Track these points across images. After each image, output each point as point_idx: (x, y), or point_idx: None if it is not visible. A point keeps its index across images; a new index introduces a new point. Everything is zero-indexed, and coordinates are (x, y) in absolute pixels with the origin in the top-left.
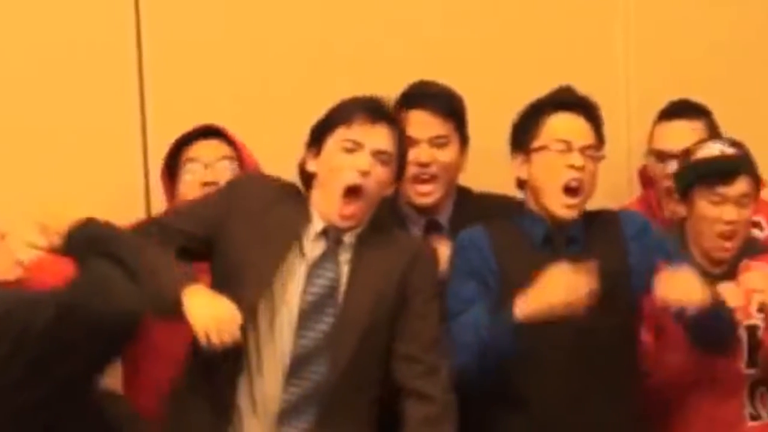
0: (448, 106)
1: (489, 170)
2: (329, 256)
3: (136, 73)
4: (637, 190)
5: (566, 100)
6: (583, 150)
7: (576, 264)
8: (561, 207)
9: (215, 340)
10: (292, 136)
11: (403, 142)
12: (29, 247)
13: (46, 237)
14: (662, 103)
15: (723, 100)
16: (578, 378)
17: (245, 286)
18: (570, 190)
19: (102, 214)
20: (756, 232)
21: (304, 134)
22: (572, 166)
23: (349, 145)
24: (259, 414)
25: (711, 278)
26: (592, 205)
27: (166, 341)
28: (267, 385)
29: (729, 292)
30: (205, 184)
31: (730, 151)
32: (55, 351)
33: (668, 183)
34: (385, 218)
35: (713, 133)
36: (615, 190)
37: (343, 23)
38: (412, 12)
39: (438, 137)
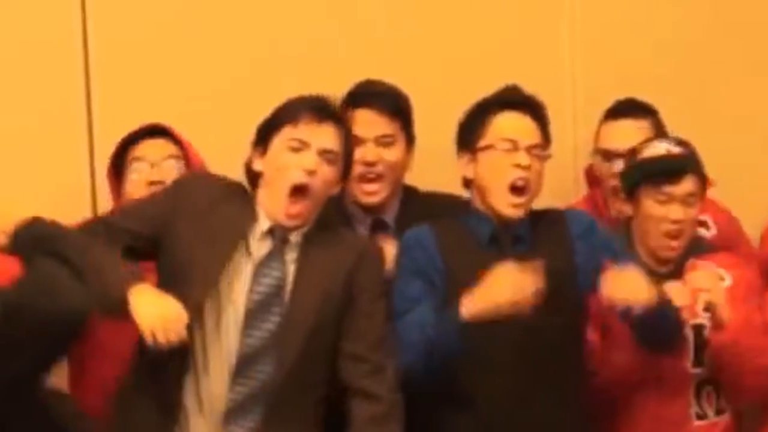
0: (394, 105)
1: (435, 169)
2: (275, 255)
3: (82, 73)
4: (583, 190)
5: (512, 100)
6: (529, 149)
7: (522, 263)
8: (507, 206)
9: (161, 339)
10: (239, 135)
11: (350, 141)
12: None
13: None
14: (608, 102)
15: (669, 99)
16: (524, 377)
17: (191, 285)
18: (516, 189)
19: (48, 213)
20: (702, 231)
21: (251, 133)
22: (518, 165)
23: (295, 144)
24: (206, 413)
25: (657, 277)
26: (539, 204)
27: (112, 340)
28: (213, 384)
29: (675, 291)
30: (152, 183)
31: (676, 150)
32: (1, 350)
33: (614, 182)
34: (332, 217)
35: (659, 132)
36: (561, 189)
37: (290, 22)
38: (359, 11)
39: (384, 136)
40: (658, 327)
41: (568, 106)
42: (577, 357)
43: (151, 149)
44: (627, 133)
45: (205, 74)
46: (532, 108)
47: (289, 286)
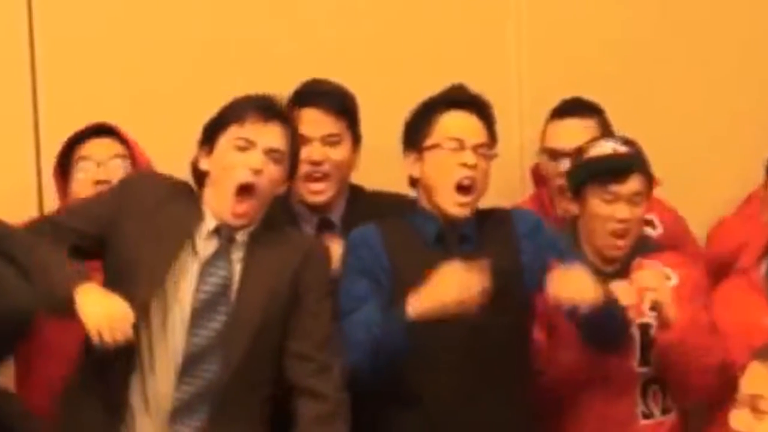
0: (340, 104)
1: (381, 168)
2: (222, 254)
3: (28, 71)
4: (529, 189)
5: (459, 99)
6: (475, 148)
7: (468, 262)
8: (453, 205)
9: (107, 338)
10: (185, 134)
11: (296, 141)
12: None
13: None
14: (555, 102)
15: (615, 99)
16: (471, 376)
17: (138, 284)
18: (462, 189)
19: None
20: (648, 231)
21: (197, 132)
22: (465, 165)
23: (241, 143)
24: (152, 412)
25: (603, 276)
26: (485, 203)
27: (58, 339)
28: (159, 384)
29: (621, 291)
30: (98, 182)
31: (622, 149)
32: None
33: (561, 181)
34: (278, 216)
35: (606, 131)
36: (507, 188)
37: (236, 21)
38: (305, 10)
39: (330, 135)
40: (605, 326)
41: (515, 105)
42: (523, 356)
43: (97, 148)
44: (573, 133)
45: (152, 74)
46: (479, 107)
47: (235, 286)
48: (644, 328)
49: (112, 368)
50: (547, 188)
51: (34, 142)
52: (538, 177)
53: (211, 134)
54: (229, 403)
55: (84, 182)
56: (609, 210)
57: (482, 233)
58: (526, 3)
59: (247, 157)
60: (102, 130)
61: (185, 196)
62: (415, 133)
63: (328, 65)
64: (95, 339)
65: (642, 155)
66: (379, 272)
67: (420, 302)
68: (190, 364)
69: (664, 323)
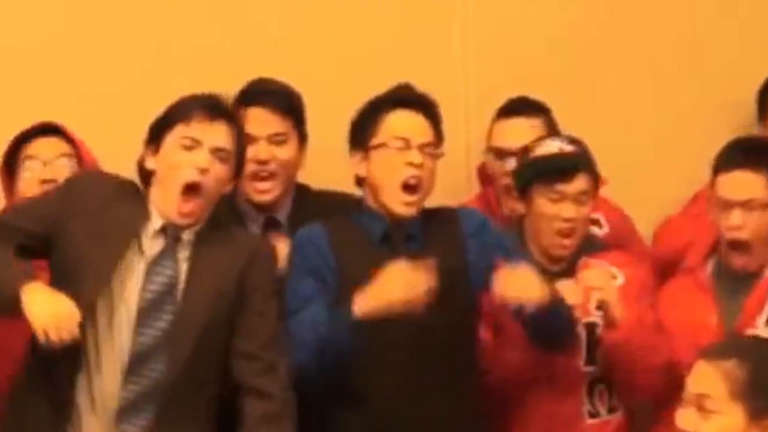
0: (286, 103)
1: (328, 167)
2: (168, 253)
3: None
4: (475, 188)
5: (405, 98)
6: (421, 147)
7: (414, 261)
8: (399, 204)
9: (54, 337)
10: (131, 133)
11: (242, 140)
12: None
13: None
14: (501, 101)
15: (561, 98)
16: (417, 375)
17: (84, 283)
18: (408, 188)
19: None
20: (595, 230)
21: (143, 132)
22: (411, 164)
23: (187, 142)
24: (98, 411)
25: (550, 276)
26: (431, 202)
27: (4, 339)
28: (106, 383)
29: (568, 290)
30: (44, 181)
31: (568, 148)
32: None
33: (507, 180)
34: (224, 216)
35: (552, 130)
36: (454, 187)
37: (182, 21)
38: (251, 9)
39: (277, 134)
40: (551, 325)
41: (461, 105)
42: (469, 355)
43: (43, 147)
44: (519, 132)
45: (98, 73)
46: (425, 106)
47: (181, 285)
48: (590, 327)
49: (59, 367)
50: (494, 187)
51: None
52: (485, 176)
53: (157, 133)
54: (176, 402)
55: (30, 181)
56: (555, 209)
57: (428, 232)
58: (472, 2)
59: (194, 157)
60: (48, 129)
61: (131, 196)
62: (362, 132)
63: (275, 64)
64: (41, 338)
65: (588, 154)
66: (325, 271)
67: (366, 301)
68: (136, 364)
69: (610, 322)
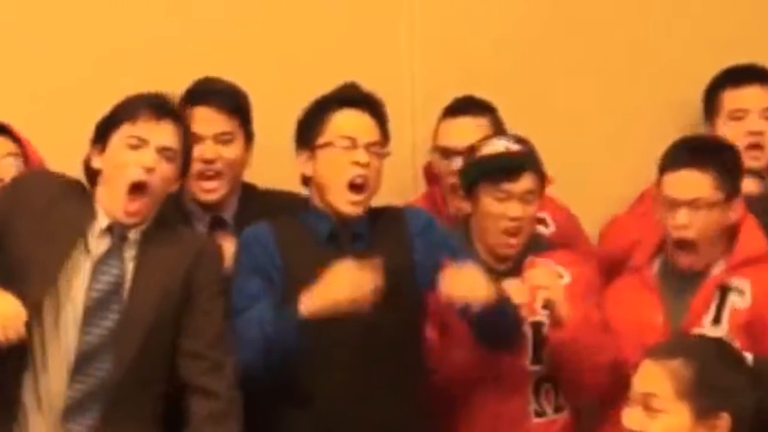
0: (232, 102)
1: (274, 167)
2: (114, 252)
3: None
4: (422, 187)
5: (351, 97)
6: (368, 147)
7: (361, 260)
8: (346, 204)
9: (0, 336)
10: (78, 132)
11: (188, 139)
12: None
13: None
14: (447, 100)
15: (508, 97)
16: (363, 374)
17: (30, 282)
18: (355, 187)
19: None
20: (541, 229)
21: (90, 131)
22: (357, 163)
23: (133, 141)
24: (44, 410)
25: (496, 275)
26: (377, 201)
27: None
28: (52, 382)
29: (514, 289)
30: None
31: (514, 147)
32: None
33: (453, 180)
34: (170, 215)
35: (498, 129)
36: (400, 186)
37: (128, 20)
38: (198, 8)
39: (223, 134)
40: (497, 324)
41: (407, 104)
42: (415, 354)
43: None
44: (465, 131)
45: (44, 72)
46: (371, 105)
47: (127, 284)
48: (537, 326)
49: (4, 366)
50: (440, 186)
51: None
52: (431, 175)
53: (103, 132)
54: (122, 401)
55: None
56: (501, 208)
57: (375, 231)
58: (418, 1)
59: (140, 156)
60: None
61: (78, 195)
62: (308, 131)
63: (221, 63)
64: None
65: (534, 153)
66: (271, 270)
67: (312, 300)
68: (82, 363)
69: (556, 321)
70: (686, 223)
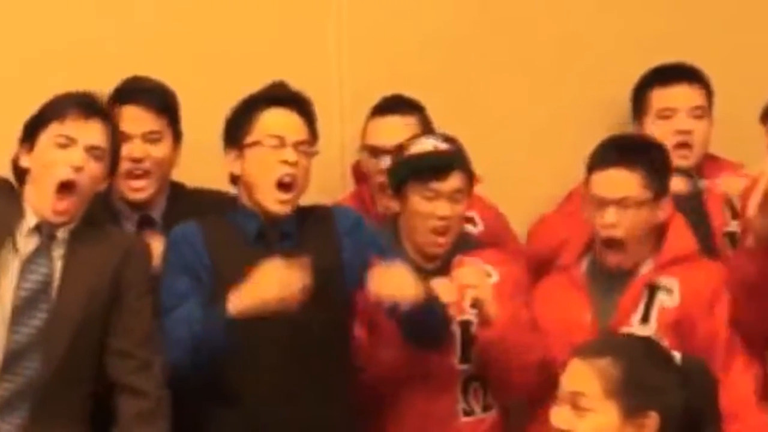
0: (161, 101)
1: (202, 166)
2: (42, 251)
3: None
4: (350, 186)
5: (279, 96)
6: (296, 145)
7: (289, 259)
8: (274, 202)
9: None
10: (5, 131)
11: (117, 138)
12: None
13: None
14: (375, 99)
15: (436, 96)
16: (291, 373)
17: None
18: (283, 186)
19: None
20: (469, 228)
21: (18, 130)
22: (285, 162)
23: (62, 140)
24: None
25: (424, 274)
26: (306, 200)
27: None
28: None
29: (442, 288)
30: None
31: (443, 146)
32: None
33: (381, 178)
34: (99, 214)
35: (426, 128)
36: (328, 185)
37: (57, 19)
38: (126, 7)
39: (151, 132)
40: (425, 323)
41: (335, 103)
42: (344, 353)
43: None
44: (394, 130)
45: None
46: (299, 104)
47: (56, 283)
48: (465, 325)
49: None
50: (368, 185)
51: None
52: (359, 174)
53: (31, 131)
54: (50, 400)
55: None
56: (430, 207)
57: (303, 230)
58: (346, 1)
59: (68, 155)
60: None
61: (5, 194)
62: (236, 130)
63: (149, 63)
64: None
65: (463, 152)
66: (200, 269)
67: (240, 299)
68: (11, 362)
69: (484, 320)
70: (614, 222)
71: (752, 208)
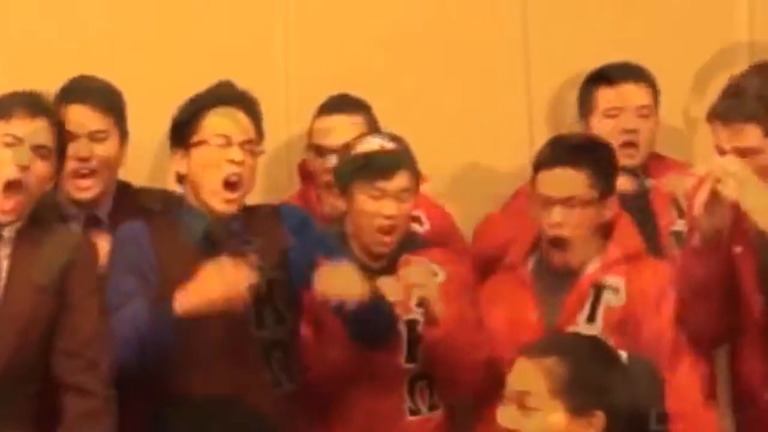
0: (107, 100)
1: (149, 165)
2: None
3: None
4: (296, 185)
5: (225, 95)
6: (242, 145)
7: (235, 258)
8: (220, 202)
9: None
10: None
11: (63, 137)
12: None
13: None
14: (322, 98)
15: (382, 95)
16: (238, 372)
17: None
18: (229, 185)
19: None
20: (416, 227)
21: None
22: (231, 161)
23: (8, 139)
24: None
25: (370, 273)
26: (252, 199)
27: None
28: None
29: (388, 287)
30: None
31: (389, 145)
32: None
33: (328, 177)
34: (45, 213)
35: (373, 127)
36: (275, 184)
37: (1, 18)
38: (73, 6)
39: (97, 132)
40: (371, 322)
41: (281, 102)
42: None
43: None
44: (340, 129)
45: None
46: (245, 103)
47: (2, 282)
48: (411, 324)
49: None
50: (314, 185)
51: None
52: (305, 173)
53: None
54: None
55: None
56: (376, 206)
57: (249, 229)
58: (293, 0)
59: (14, 154)
60: None
61: None
62: (182, 129)
63: (96, 61)
64: None
65: (409, 152)
66: (146, 268)
67: (187, 299)
68: None
69: (431, 319)
70: (560, 221)
71: (698, 208)
